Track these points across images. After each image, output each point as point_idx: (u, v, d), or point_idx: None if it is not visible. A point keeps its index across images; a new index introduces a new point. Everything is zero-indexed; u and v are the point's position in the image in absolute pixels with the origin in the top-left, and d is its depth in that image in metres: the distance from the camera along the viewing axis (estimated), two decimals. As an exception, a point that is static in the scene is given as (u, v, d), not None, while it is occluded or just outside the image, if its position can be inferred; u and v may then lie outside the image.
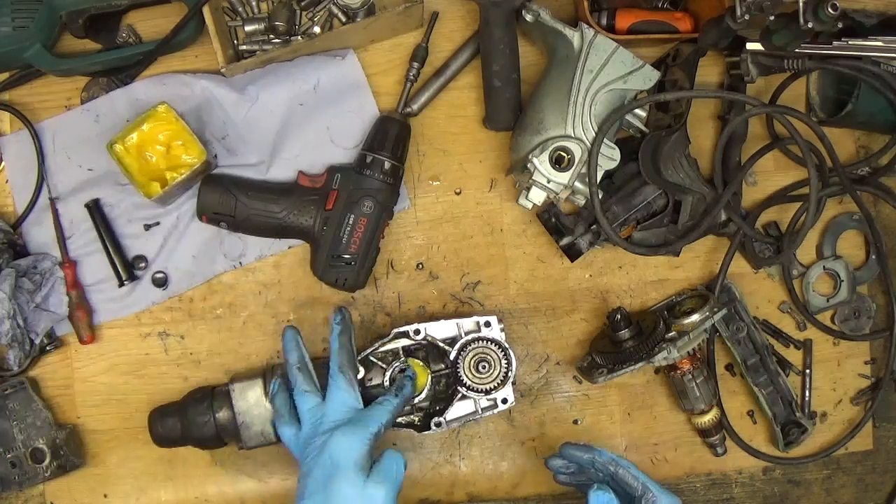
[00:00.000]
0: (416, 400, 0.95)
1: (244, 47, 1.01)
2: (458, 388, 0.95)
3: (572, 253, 1.04)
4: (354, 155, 1.01)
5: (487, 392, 0.95)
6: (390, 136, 0.98)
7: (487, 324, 0.96)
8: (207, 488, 1.04)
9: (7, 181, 1.01)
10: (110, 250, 1.00)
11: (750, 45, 0.98)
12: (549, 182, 0.94)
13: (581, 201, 0.98)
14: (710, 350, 1.08)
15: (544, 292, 1.08)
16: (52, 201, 1.00)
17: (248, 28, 1.00)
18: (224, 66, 0.95)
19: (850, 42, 0.97)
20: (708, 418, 1.05)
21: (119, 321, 1.02)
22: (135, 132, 0.94)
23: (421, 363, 0.95)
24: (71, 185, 1.00)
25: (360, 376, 0.93)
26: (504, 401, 0.96)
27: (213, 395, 0.95)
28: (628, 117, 0.99)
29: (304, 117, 1.02)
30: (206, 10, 0.93)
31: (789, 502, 1.13)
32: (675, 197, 1.02)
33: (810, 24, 0.84)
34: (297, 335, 0.92)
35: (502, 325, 0.97)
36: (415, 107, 1.04)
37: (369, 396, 0.95)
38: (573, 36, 0.96)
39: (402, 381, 0.91)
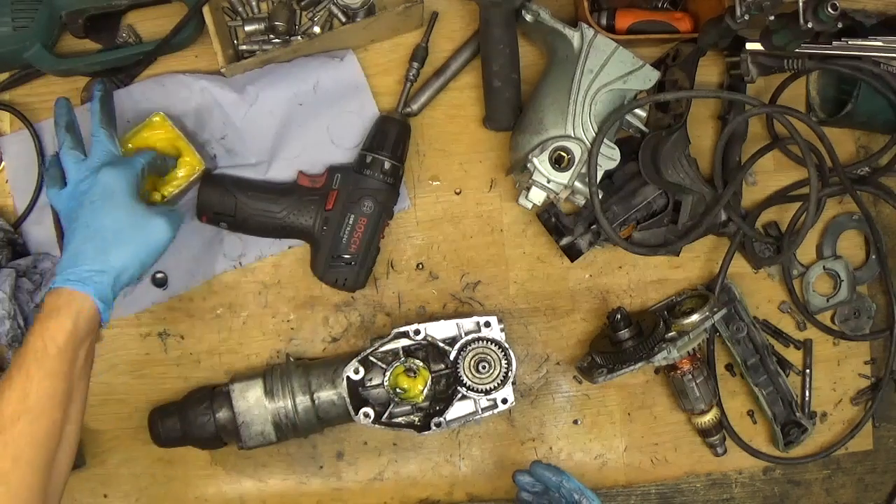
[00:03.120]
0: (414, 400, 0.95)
1: (244, 47, 1.01)
2: (458, 388, 0.94)
3: (572, 253, 1.04)
4: (354, 155, 1.01)
5: (487, 392, 0.95)
6: (390, 136, 0.98)
7: (487, 324, 0.96)
8: (207, 488, 1.04)
9: (7, 181, 1.01)
10: (110, 250, 1.00)
11: (750, 45, 0.98)
12: (549, 182, 0.94)
13: (581, 201, 0.98)
14: (710, 350, 1.08)
15: (544, 292, 1.08)
16: (52, 201, 1.00)
17: (248, 28, 1.00)
18: (224, 67, 0.95)
19: (850, 42, 0.97)
20: (708, 418, 1.05)
21: (119, 321, 1.02)
22: (130, 143, 0.94)
23: (421, 363, 0.95)
24: (71, 185, 1.00)
25: (359, 376, 0.93)
26: (504, 401, 0.95)
27: (213, 395, 0.96)
28: (628, 117, 0.99)
29: (303, 117, 1.02)
30: (206, 10, 0.93)
31: (789, 502, 1.13)
32: (675, 197, 1.02)
33: (810, 24, 0.84)
34: (69, 103, 0.91)
35: (502, 325, 0.97)
36: (415, 107, 1.03)
37: (368, 397, 0.95)
38: (573, 36, 0.96)
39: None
